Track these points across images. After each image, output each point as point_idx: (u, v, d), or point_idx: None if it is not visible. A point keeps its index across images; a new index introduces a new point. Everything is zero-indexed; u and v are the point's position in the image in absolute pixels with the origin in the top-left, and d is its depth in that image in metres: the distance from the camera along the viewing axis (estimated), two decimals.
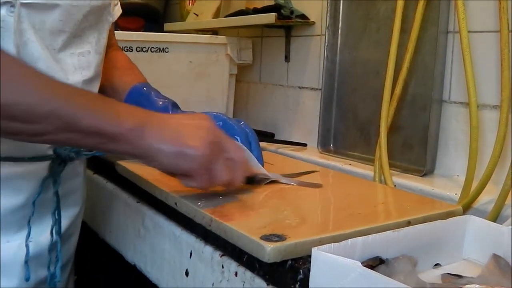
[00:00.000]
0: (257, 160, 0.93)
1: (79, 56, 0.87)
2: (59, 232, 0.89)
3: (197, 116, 0.82)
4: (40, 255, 0.88)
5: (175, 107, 1.00)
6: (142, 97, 1.00)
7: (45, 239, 0.88)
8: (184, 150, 0.74)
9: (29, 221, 0.84)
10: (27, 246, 0.85)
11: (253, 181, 0.91)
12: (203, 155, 0.74)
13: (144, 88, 1.02)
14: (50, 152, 0.87)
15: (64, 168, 0.89)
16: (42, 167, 0.86)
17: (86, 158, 0.98)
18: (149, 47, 1.62)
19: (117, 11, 1.05)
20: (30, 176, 0.86)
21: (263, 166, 0.94)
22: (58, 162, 0.88)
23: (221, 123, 0.95)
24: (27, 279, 0.85)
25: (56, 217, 0.89)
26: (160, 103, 0.99)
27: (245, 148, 0.88)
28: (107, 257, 1.14)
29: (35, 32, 0.80)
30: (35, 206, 0.84)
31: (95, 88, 0.94)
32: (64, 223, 0.92)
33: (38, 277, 0.89)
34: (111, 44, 1.09)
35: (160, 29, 2.04)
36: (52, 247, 0.88)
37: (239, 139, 0.93)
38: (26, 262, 0.84)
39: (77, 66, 0.86)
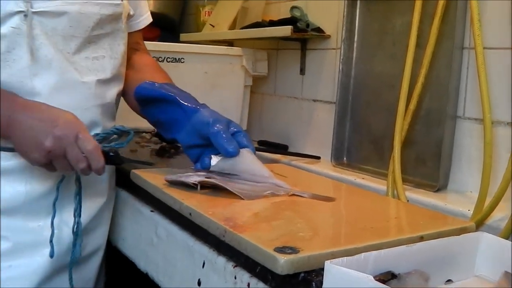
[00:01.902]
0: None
1: (93, 60, 0.99)
2: (79, 214, 0.98)
3: (54, 115, 0.89)
4: (67, 235, 0.98)
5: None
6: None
7: (71, 221, 0.98)
8: (25, 158, 0.89)
9: (54, 204, 0.95)
10: (52, 226, 0.95)
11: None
12: (39, 162, 0.88)
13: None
14: None
15: None
16: None
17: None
18: (165, 57, 1.64)
19: (145, 20, 1.19)
20: None
21: None
22: None
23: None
24: (51, 256, 0.96)
25: (78, 201, 0.98)
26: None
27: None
28: (119, 264, 1.14)
29: (48, 37, 0.93)
30: (59, 191, 0.95)
31: (114, 88, 1.04)
32: (90, 211, 1.03)
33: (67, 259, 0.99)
34: (140, 48, 1.22)
35: (176, 39, 2.05)
36: (76, 228, 0.98)
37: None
38: (51, 241, 0.95)
39: (91, 68, 0.98)
